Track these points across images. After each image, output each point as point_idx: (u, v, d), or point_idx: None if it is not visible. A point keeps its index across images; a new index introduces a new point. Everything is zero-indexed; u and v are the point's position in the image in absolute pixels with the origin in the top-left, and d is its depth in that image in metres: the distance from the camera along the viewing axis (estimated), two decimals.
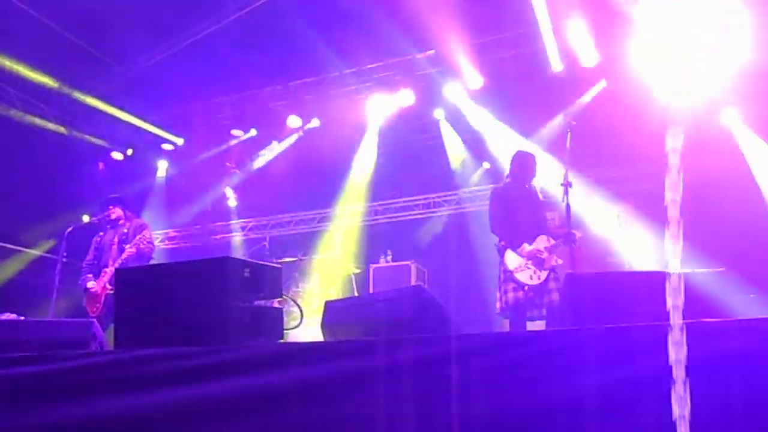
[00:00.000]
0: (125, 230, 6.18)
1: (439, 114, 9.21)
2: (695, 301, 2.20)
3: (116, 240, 6.13)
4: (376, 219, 9.83)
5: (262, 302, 3.28)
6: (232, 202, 10.41)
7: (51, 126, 9.25)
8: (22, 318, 4.31)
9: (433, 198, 9.61)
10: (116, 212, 6.31)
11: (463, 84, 8.58)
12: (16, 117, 8.76)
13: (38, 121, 9.10)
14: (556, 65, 8.07)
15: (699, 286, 2.58)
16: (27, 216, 8.30)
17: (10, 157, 8.23)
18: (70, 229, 6.10)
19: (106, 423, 2.46)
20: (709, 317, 2.22)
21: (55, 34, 7.64)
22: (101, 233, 6.35)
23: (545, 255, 5.05)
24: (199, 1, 7.90)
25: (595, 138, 7.41)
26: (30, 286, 6.57)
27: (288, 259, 8.24)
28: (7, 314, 4.29)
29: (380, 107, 9.18)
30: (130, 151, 10.41)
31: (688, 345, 1.79)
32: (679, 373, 1.78)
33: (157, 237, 9.98)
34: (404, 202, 9.79)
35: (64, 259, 5.93)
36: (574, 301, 2.55)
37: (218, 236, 10.61)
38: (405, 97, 8.87)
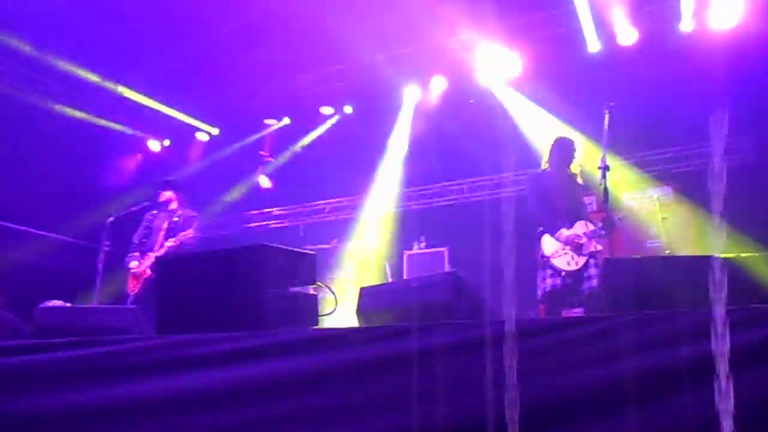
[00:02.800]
0: (176, 218, 6.20)
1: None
2: (742, 286, 2.13)
3: (165, 226, 6.19)
4: (410, 205, 9.81)
5: (297, 289, 3.31)
6: (267, 186, 10.48)
7: (90, 118, 9.45)
8: (69, 305, 4.42)
9: (468, 183, 9.55)
10: (165, 196, 6.33)
11: (498, 67, 8.48)
12: (58, 110, 8.98)
13: (78, 114, 9.30)
14: (593, 45, 7.91)
15: (745, 271, 2.51)
16: (67, 206, 8.51)
17: (52, 149, 8.44)
18: (111, 218, 6.20)
19: (152, 404, 2.53)
20: (757, 302, 2.15)
21: (92, 26, 7.78)
22: (154, 212, 6.39)
23: (584, 240, 4.97)
24: None
25: (635, 119, 7.25)
26: (73, 274, 6.73)
27: (323, 246, 8.29)
28: (54, 301, 4.41)
29: (413, 93, 9.17)
30: (167, 142, 10.59)
31: (731, 332, 1.74)
32: (722, 366, 1.74)
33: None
34: (438, 187, 9.75)
35: (107, 248, 6.05)
36: (613, 286, 2.51)
37: (254, 224, 10.73)
38: (438, 83, 8.84)
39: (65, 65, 8.42)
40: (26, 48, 8.00)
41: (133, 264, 6.11)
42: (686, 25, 7.42)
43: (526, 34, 8.15)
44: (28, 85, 8.67)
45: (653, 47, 7.67)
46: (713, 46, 7.07)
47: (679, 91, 7.11)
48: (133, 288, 6.07)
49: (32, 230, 8.32)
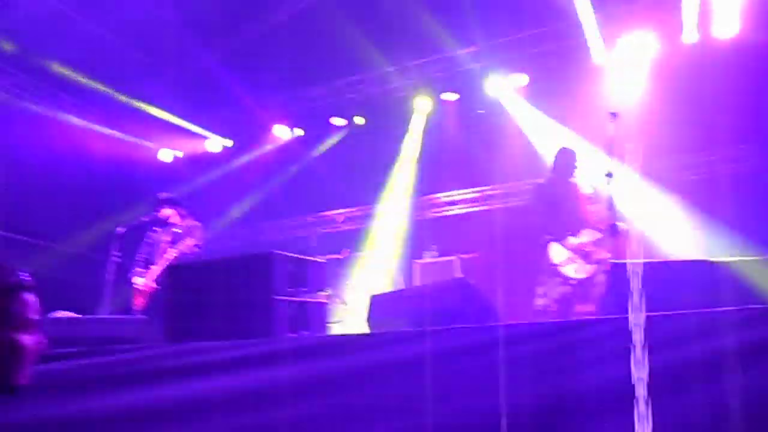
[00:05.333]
0: (178, 230, 6.28)
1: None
2: (740, 289, 2.15)
3: (167, 239, 6.26)
4: (421, 214, 9.82)
5: (306, 297, 3.34)
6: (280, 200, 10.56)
7: (104, 130, 9.56)
8: (79, 316, 4.45)
9: (478, 192, 9.56)
10: (165, 212, 6.41)
11: (505, 78, 8.55)
12: (72, 122, 9.09)
13: (92, 125, 9.41)
14: (598, 55, 7.96)
15: (744, 274, 2.53)
16: (79, 217, 8.57)
17: (63, 160, 8.54)
18: (122, 229, 6.25)
19: (163, 411, 2.57)
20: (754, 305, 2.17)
21: (107, 41, 7.90)
22: (156, 229, 6.48)
23: (591, 248, 4.99)
24: (246, 4, 8.04)
25: (641, 127, 7.25)
26: (82, 285, 6.77)
27: (334, 256, 8.31)
28: (63, 312, 4.43)
29: (424, 103, 9.27)
30: (179, 153, 10.69)
31: (732, 331, 1.77)
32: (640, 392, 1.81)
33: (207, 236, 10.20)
34: (449, 196, 9.77)
35: (118, 259, 6.10)
36: (619, 290, 2.53)
37: (266, 235, 10.78)
38: (449, 94, 8.96)
39: (79, 77, 8.53)
40: (40, 60, 8.12)
41: (138, 280, 6.19)
42: (689, 36, 7.46)
43: (532, 46, 8.22)
44: (39, 96, 8.78)
45: (660, 57, 7.73)
46: (717, 56, 7.12)
47: (687, 100, 7.13)
48: (139, 304, 6.14)
49: (42, 242, 8.38)
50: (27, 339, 1.41)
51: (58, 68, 8.29)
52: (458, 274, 7.92)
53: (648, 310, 2.26)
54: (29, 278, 1.45)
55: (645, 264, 2.47)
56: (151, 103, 9.46)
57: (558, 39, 8.10)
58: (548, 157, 5.67)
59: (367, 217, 10.06)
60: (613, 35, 7.81)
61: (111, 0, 7.74)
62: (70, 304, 4.83)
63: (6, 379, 1.39)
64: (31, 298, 1.44)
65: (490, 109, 8.99)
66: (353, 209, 10.19)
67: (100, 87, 8.82)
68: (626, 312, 2.34)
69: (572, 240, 5.02)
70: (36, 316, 1.44)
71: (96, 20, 7.72)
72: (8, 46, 7.72)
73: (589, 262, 4.96)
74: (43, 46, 7.94)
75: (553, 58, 8.21)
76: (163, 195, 6.64)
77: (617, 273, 2.60)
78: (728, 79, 6.48)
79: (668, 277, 2.62)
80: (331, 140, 10.11)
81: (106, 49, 8.08)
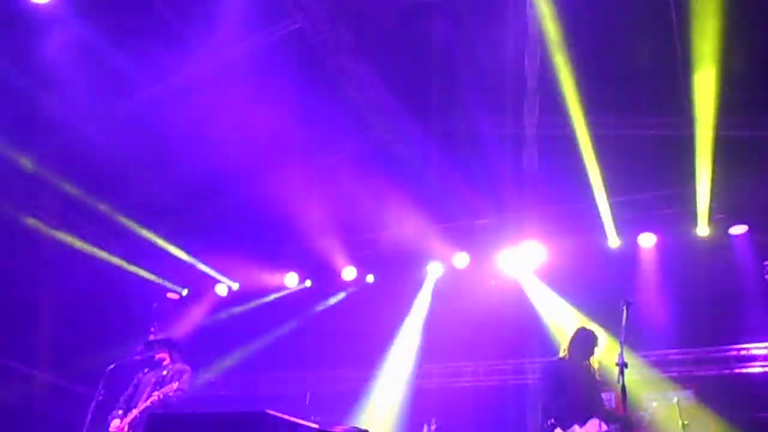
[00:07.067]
0: (165, 373, 6.13)
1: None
2: None
3: (153, 381, 6.10)
4: (423, 383, 9.45)
5: None
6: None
7: (113, 260, 9.58)
8: None
9: (483, 365, 9.26)
10: (160, 354, 6.33)
11: (518, 254, 8.65)
12: (83, 248, 9.12)
13: (102, 253, 9.42)
14: (613, 241, 8.09)
15: None
16: (68, 347, 8.33)
17: (69, 286, 8.45)
18: (112, 366, 6.11)
19: None
20: None
21: (116, 168, 8.16)
22: (146, 370, 6.31)
23: None
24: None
25: (655, 317, 7.19)
26: (60, 420, 6.43)
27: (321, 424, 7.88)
28: None
29: (436, 269, 9.34)
30: (185, 292, 10.66)
31: None
32: None
33: (199, 382, 9.85)
34: (454, 367, 9.44)
35: (101, 397, 5.90)
36: None
37: (261, 387, 10.38)
38: (460, 259, 9.05)
39: (93, 202, 8.67)
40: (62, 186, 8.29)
41: (114, 422, 5.94)
42: (703, 230, 7.63)
43: (550, 225, 8.40)
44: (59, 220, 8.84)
45: (671, 249, 7.85)
46: (731, 250, 7.23)
47: (699, 294, 7.14)
48: None
49: (23, 368, 8.07)
50: None
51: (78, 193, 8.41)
52: None
53: None
54: None
55: None
56: (164, 238, 9.55)
57: (575, 219, 8.28)
58: (562, 336, 5.52)
59: (366, 379, 9.70)
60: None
61: None
62: None
63: None
64: None
65: (503, 281, 9.00)
66: (352, 370, 9.86)
67: (114, 215, 8.92)
68: None
69: (578, 429, 4.73)
70: None
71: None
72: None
73: None
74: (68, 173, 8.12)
75: (570, 239, 8.35)
76: (159, 336, 6.58)
77: None
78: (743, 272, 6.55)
79: None
80: (339, 296, 10.08)
81: (128, 181, 8.24)
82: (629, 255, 8.10)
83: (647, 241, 8.01)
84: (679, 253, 7.85)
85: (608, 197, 7.68)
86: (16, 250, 8.11)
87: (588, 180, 7.47)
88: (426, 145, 8.20)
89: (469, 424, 8.37)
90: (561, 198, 8.19)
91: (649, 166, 7.31)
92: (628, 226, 8.02)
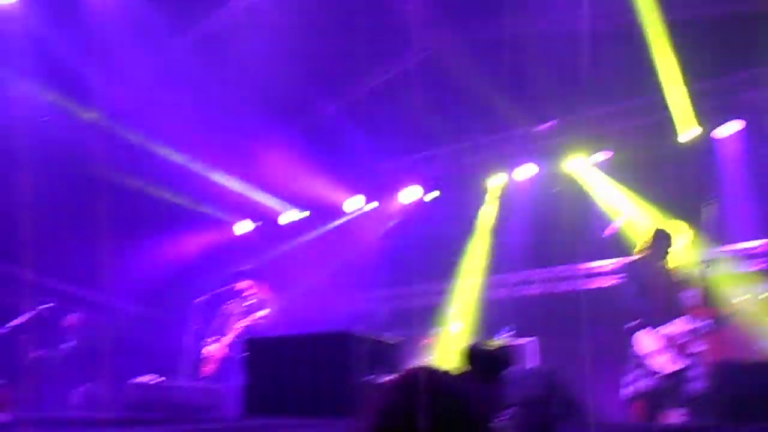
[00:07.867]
0: (249, 302, 6.45)
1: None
2: None
3: (238, 311, 6.43)
4: (497, 292, 9.55)
5: (383, 378, 3.26)
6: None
7: (181, 201, 9.84)
8: (162, 380, 4.56)
9: (557, 271, 9.24)
10: (242, 285, 6.61)
11: (588, 154, 8.42)
12: (154, 193, 9.39)
13: (169, 196, 9.61)
14: (684, 135, 7.72)
15: None
16: (156, 285, 8.78)
17: (144, 229, 8.78)
18: (198, 299, 6.46)
19: None
20: None
21: (188, 114, 8.19)
22: (231, 301, 6.64)
23: (686, 339, 4.63)
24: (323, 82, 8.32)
25: (733, 210, 6.90)
26: (161, 350, 6.88)
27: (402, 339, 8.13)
28: (149, 376, 4.56)
29: (501, 179, 9.24)
30: (253, 225, 10.97)
31: None
32: None
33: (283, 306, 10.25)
34: (526, 275, 9.48)
35: (195, 326, 6.26)
36: (728, 393, 2.30)
37: (340, 306, 10.72)
38: (526, 170, 8.93)
39: (157, 147, 8.83)
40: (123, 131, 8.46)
41: (209, 348, 6.36)
42: None
43: (615, 121, 8.09)
44: (117, 165, 9.04)
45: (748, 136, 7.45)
46: None
47: None
48: (208, 371, 6.26)
49: (127, 307, 8.59)
50: None
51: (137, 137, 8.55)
52: (536, 358, 7.58)
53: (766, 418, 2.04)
54: None
55: (757, 364, 2.25)
56: (228, 173, 9.72)
57: (642, 115, 7.94)
58: (637, 237, 5.39)
59: (441, 293, 9.87)
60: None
61: None
62: (150, 370, 4.92)
63: None
64: None
65: (570, 184, 8.81)
66: (427, 285, 10.03)
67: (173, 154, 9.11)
68: (736, 417, 2.12)
69: (666, 329, 4.68)
70: None
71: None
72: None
73: (683, 355, 4.59)
74: (124, 116, 8.27)
75: (638, 135, 8.03)
76: (241, 268, 6.84)
77: (725, 372, 2.37)
78: None
79: None
80: (405, 214, 10.14)
81: (187, 121, 8.35)
82: (704, 148, 7.74)
83: (725, 130, 7.58)
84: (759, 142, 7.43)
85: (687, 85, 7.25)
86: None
87: (654, 71, 7.06)
88: (474, 54, 7.88)
89: (543, 331, 8.44)
90: (625, 94, 7.81)
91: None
92: (704, 116, 7.62)
